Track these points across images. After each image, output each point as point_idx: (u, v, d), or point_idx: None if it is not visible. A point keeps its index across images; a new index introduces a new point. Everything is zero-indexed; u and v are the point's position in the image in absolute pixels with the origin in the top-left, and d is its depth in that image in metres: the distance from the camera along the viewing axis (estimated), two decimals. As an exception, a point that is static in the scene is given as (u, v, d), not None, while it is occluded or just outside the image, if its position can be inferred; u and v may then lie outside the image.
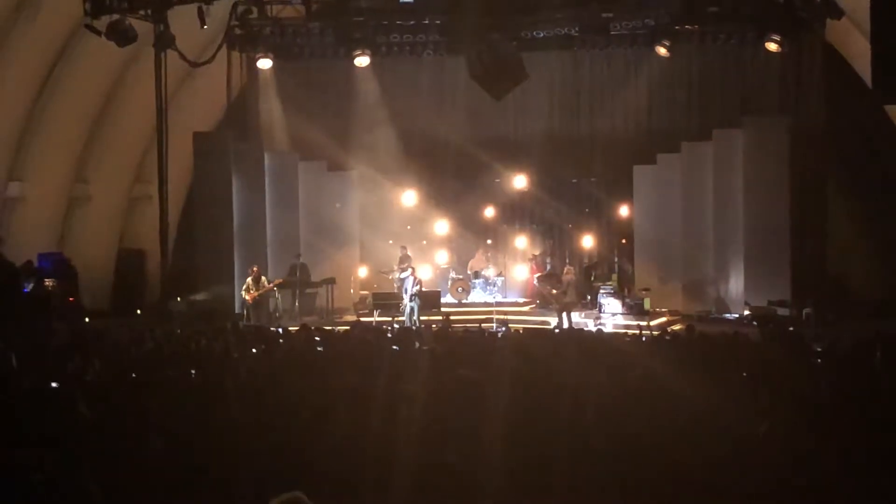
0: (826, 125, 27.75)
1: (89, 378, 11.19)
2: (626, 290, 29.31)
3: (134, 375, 11.80)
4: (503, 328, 22.00)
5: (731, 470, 7.30)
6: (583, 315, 27.65)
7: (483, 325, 22.76)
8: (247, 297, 26.84)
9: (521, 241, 32.25)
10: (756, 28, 27.73)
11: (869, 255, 29.74)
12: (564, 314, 26.40)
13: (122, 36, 24.49)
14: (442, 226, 31.81)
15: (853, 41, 27.08)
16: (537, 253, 32.12)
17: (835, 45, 28.60)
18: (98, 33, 24.22)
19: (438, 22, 28.58)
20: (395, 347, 15.30)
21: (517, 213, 32.30)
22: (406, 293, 27.27)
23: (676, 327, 24.32)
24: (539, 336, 19.42)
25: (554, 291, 26.82)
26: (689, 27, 28.08)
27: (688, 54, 29.52)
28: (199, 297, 27.57)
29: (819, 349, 13.92)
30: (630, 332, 21.57)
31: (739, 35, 28.34)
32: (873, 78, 17.69)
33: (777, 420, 8.20)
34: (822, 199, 27.75)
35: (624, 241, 31.22)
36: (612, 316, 27.57)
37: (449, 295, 30.11)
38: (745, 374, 11.42)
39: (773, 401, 9.10)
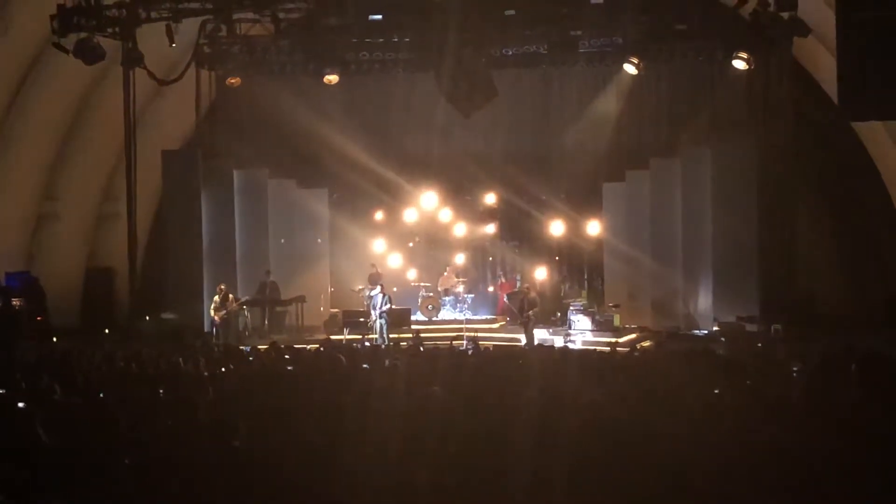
0: (793, 142, 27.90)
1: (57, 398, 11.11)
2: (595, 307, 29.34)
3: (102, 395, 11.73)
4: (473, 346, 21.99)
5: (701, 488, 7.31)
6: (551, 331, 27.69)
7: (453, 342, 22.75)
8: (215, 316, 26.77)
9: (491, 259, 32.34)
10: (724, 45, 27.89)
11: (836, 271, 29.93)
12: (527, 329, 26.45)
13: (90, 54, 24.42)
14: (412, 243, 31.90)
15: (820, 59, 27.29)
16: (507, 270, 32.22)
17: (802, 63, 28.81)
18: (66, 52, 24.14)
19: (408, 39, 28.61)
20: (365, 365, 15.26)
21: (487, 230, 32.31)
22: (375, 310, 27.23)
23: (646, 343, 24.37)
24: (509, 353, 19.40)
25: (530, 312, 26.74)
26: (658, 45, 28.20)
27: (656, 72, 29.61)
28: (169, 315, 27.46)
29: (795, 368, 13.88)
30: (599, 348, 21.61)
31: (707, 52, 28.48)
32: (840, 95, 17.85)
33: (748, 434, 8.22)
34: (790, 216, 27.87)
35: (593, 257, 31.27)
36: (581, 332, 27.61)
37: (419, 312, 30.13)
38: (715, 392, 11.43)
39: (744, 417, 9.12)
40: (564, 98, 30.98)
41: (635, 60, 28.02)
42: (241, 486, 7.56)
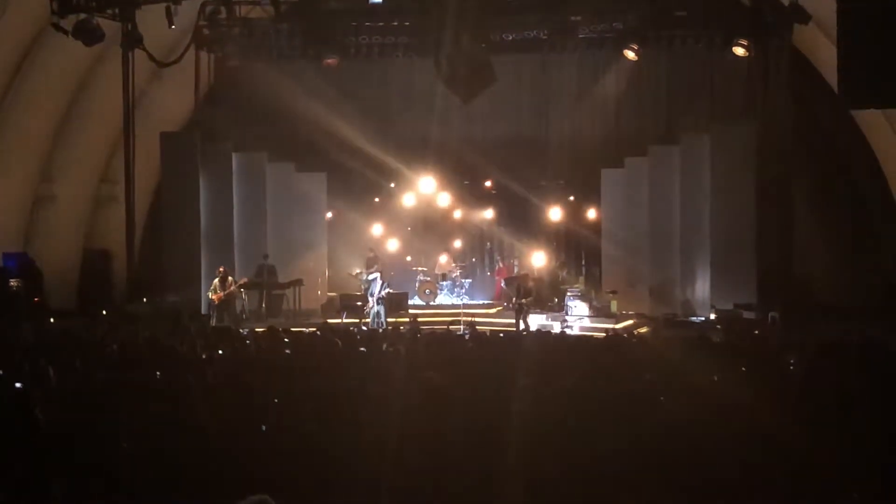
0: (792, 129, 27.88)
1: (54, 380, 11.11)
2: (593, 293, 29.36)
3: (99, 377, 11.73)
4: (470, 330, 22.03)
5: (696, 470, 7.33)
6: (549, 317, 27.69)
7: (450, 327, 22.79)
8: (213, 298, 26.76)
9: (489, 244, 32.36)
10: (723, 32, 27.83)
11: (834, 259, 29.93)
12: (522, 317, 26.45)
13: (89, 35, 24.35)
14: (410, 227, 31.94)
15: (820, 46, 27.24)
16: (505, 255, 32.25)
17: (801, 50, 28.76)
18: (65, 32, 24.07)
19: (408, 24, 28.56)
20: (362, 349, 15.28)
21: (485, 215, 32.32)
22: (372, 295, 27.23)
23: (643, 330, 24.37)
24: (506, 338, 19.42)
25: (524, 301, 26.73)
26: (657, 31, 28.16)
27: (656, 58, 29.59)
28: (166, 297, 27.46)
29: (791, 361, 13.84)
30: (596, 334, 21.62)
31: (707, 39, 28.43)
32: (840, 83, 17.86)
33: (743, 421, 8.24)
34: (788, 203, 27.85)
35: (591, 243, 31.26)
36: (578, 318, 27.61)
37: (416, 297, 30.15)
38: (715, 378, 11.44)
39: (740, 402, 9.14)
40: (563, 84, 30.93)
41: (635, 46, 27.97)
42: (238, 470, 7.57)
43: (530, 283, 26.95)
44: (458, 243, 32.03)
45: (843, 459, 7.40)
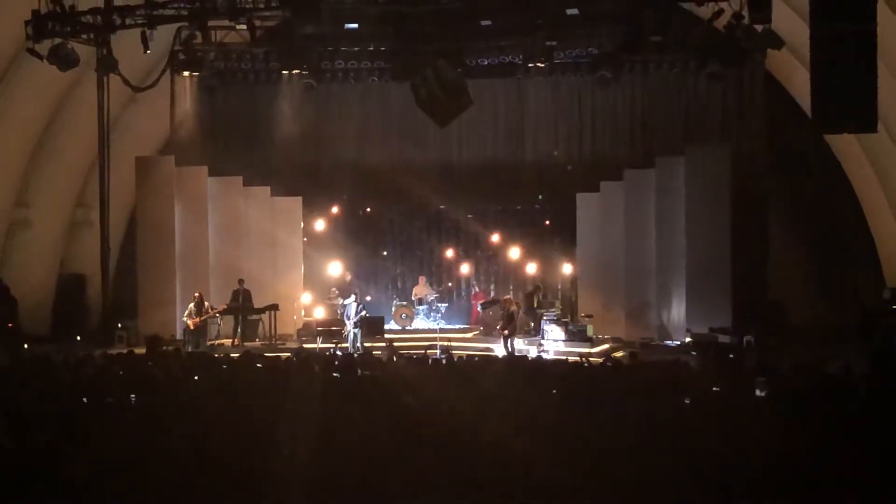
0: (766, 153, 28.04)
1: (27, 404, 11.07)
2: (569, 317, 29.34)
3: (74, 402, 11.69)
4: (446, 355, 21.99)
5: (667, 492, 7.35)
6: (526, 342, 27.66)
7: (427, 351, 22.75)
8: (189, 323, 26.65)
9: (465, 268, 32.34)
10: (698, 57, 28.00)
11: (808, 282, 30.06)
12: (507, 342, 26.36)
13: (64, 60, 24.34)
14: (386, 252, 31.96)
15: (793, 71, 27.46)
16: (481, 279, 32.24)
17: (775, 75, 28.97)
18: (40, 57, 24.06)
19: (384, 48, 28.66)
20: (335, 375, 15.25)
21: (461, 239, 32.31)
22: (349, 319, 27.15)
23: (619, 354, 24.37)
24: (482, 363, 19.41)
25: (499, 326, 26.68)
26: (632, 55, 28.31)
27: (631, 82, 29.78)
28: (141, 322, 27.38)
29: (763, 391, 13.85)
30: (572, 359, 21.61)
31: (682, 64, 28.63)
32: (812, 107, 17.99)
33: (715, 443, 8.27)
34: (763, 227, 27.99)
35: (567, 267, 31.27)
36: (554, 342, 27.57)
37: (393, 321, 30.13)
38: (687, 402, 11.47)
39: (713, 426, 9.17)
40: (539, 108, 31.01)
41: (610, 71, 28.11)
42: (211, 493, 7.56)
43: (512, 309, 26.83)
44: (433, 268, 32.03)
45: (817, 480, 7.44)
